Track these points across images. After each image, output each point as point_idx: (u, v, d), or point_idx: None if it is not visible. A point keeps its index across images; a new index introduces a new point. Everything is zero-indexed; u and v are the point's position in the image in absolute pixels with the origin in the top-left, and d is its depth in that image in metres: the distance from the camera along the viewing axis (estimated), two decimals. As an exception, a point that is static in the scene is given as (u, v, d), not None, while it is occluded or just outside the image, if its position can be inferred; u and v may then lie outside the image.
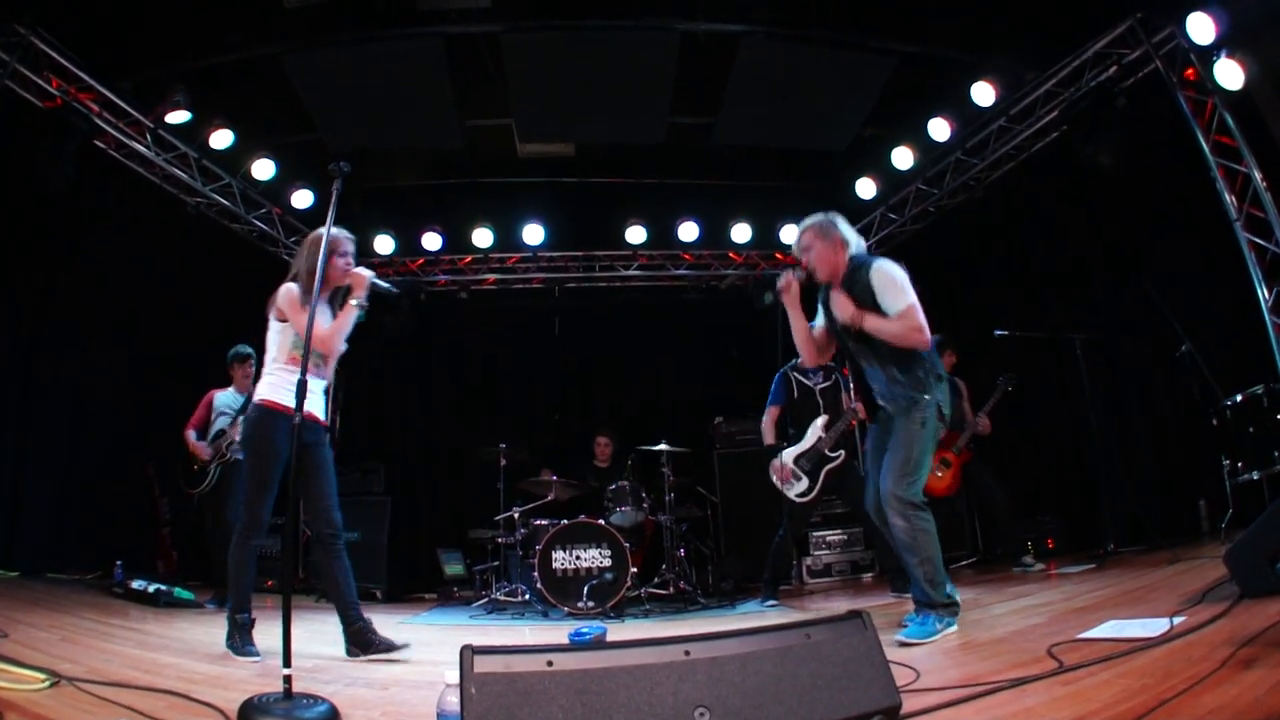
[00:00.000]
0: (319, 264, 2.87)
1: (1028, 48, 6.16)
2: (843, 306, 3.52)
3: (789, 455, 5.57)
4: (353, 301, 3.50)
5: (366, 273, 3.53)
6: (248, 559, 3.45)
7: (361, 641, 3.44)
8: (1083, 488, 6.83)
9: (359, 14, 5.96)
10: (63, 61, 5.56)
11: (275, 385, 3.44)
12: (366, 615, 3.52)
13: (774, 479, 5.58)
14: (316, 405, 3.52)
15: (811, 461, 5.53)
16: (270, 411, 3.40)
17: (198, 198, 7.08)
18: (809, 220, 3.77)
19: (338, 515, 3.52)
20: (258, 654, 3.35)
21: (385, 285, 3.62)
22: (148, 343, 7.17)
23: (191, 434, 5.91)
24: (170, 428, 6.72)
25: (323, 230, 3.17)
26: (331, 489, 3.51)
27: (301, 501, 3.54)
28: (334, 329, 3.47)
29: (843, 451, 5.56)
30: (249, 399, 3.76)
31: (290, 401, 2.88)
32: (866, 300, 3.50)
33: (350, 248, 3.60)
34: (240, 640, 3.39)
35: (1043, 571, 5.62)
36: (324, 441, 3.62)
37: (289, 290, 3.45)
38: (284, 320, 3.46)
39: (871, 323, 3.46)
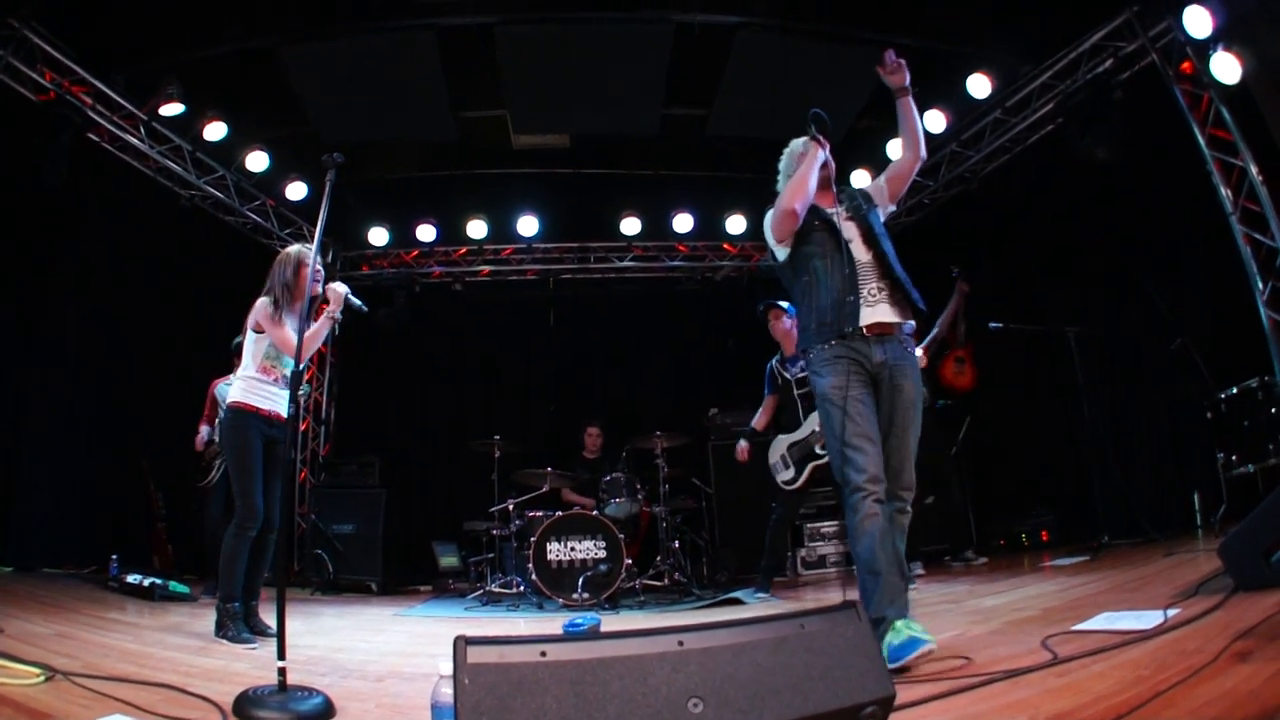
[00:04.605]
0: (305, 282, 3.34)
1: (1023, 40, 6.15)
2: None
3: (783, 441, 5.58)
4: (335, 314, 3.73)
5: (342, 288, 3.77)
6: (241, 549, 3.62)
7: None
8: (1077, 480, 6.83)
9: (353, 6, 5.94)
10: (56, 54, 5.54)
11: (246, 390, 3.78)
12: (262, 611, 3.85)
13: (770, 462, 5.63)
14: (282, 406, 3.86)
15: (801, 453, 5.50)
16: (243, 412, 3.75)
17: (192, 190, 7.06)
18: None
19: (278, 512, 3.80)
20: (253, 640, 3.45)
21: (358, 303, 3.88)
22: (142, 336, 7.14)
23: (204, 429, 5.93)
24: (165, 422, 6.70)
25: (293, 248, 3.94)
26: (279, 488, 3.79)
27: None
28: (308, 338, 3.70)
29: None
30: None
31: (260, 404, 3.75)
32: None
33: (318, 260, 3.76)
34: (234, 628, 3.50)
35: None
36: (284, 440, 3.90)
37: (263, 305, 3.76)
38: (260, 332, 3.78)
39: None
